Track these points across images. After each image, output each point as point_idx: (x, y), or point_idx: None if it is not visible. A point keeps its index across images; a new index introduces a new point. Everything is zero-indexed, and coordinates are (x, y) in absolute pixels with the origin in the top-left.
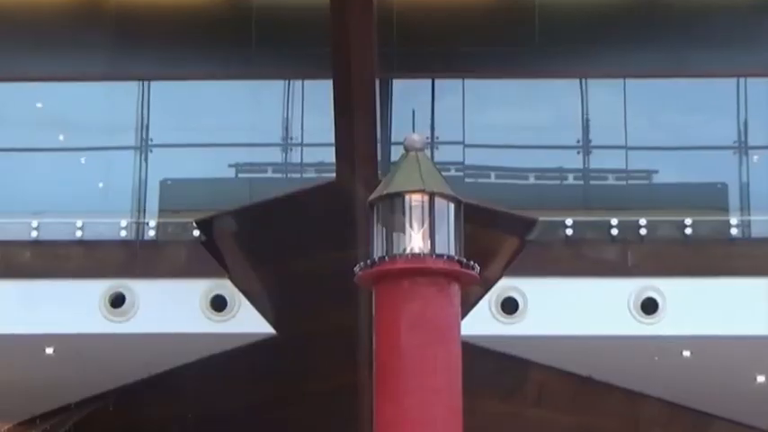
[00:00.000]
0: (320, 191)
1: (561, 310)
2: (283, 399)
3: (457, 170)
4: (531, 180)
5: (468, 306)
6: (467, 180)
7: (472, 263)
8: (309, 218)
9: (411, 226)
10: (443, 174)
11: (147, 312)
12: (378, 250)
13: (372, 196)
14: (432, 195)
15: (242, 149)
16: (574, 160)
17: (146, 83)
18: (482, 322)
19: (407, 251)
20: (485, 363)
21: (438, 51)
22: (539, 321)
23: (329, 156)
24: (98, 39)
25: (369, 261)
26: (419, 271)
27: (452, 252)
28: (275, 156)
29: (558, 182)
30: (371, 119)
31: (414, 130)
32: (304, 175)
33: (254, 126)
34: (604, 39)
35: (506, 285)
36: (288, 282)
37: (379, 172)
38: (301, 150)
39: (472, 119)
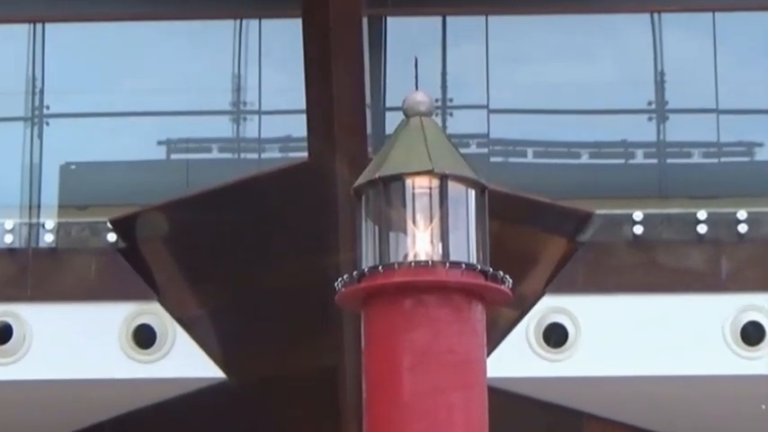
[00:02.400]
0: (286, 176)
1: (627, 341)
2: None
3: (479, 145)
4: (584, 159)
5: (497, 336)
6: (493, 159)
7: (502, 274)
8: (271, 213)
9: (414, 222)
10: (461, 150)
11: (41, 350)
12: (368, 257)
13: (359, 181)
14: (444, 179)
15: (176, 120)
16: (644, 130)
17: (38, 26)
18: (517, 358)
19: (410, 258)
20: (521, 415)
21: None
22: (596, 357)
23: (299, 127)
24: None
25: (355, 273)
26: (427, 286)
27: (473, 259)
28: (223, 128)
29: (621, 161)
30: (357, 74)
31: (417, 89)
32: (264, 155)
33: (193, 88)
34: None
35: (550, 306)
36: (243, 304)
37: (369, 148)
38: (259, 120)
39: (500, 74)
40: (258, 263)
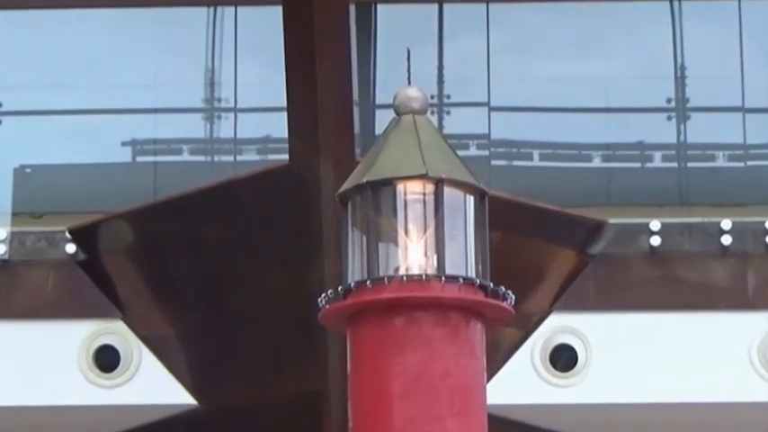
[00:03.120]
0: (265, 180)
1: (644, 365)
2: None
3: (479, 147)
4: (597, 162)
5: (498, 358)
6: (495, 162)
7: (504, 290)
8: (248, 222)
9: (407, 232)
10: (459, 152)
11: None
12: (355, 271)
13: (345, 186)
14: (439, 184)
15: (143, 119)
16: (663, 131)
17: None
18: (521, 383)
19: (401, 272)
20: None
21: None
22: (609, 382)
23: (279, 126)
24: None
25: (341, 288)
26: (420, 303)
27: (472, 273)
28: (194, 128)
29: (637, 164)
30: (344, 67)
31: (410, 84)
32: (240, 157)
33: (161, 83)
34: None
35: (558, 325)
36: (217, 322)
37: (357, 150)
38: (234, 118)
39: (502, 68)
40: (234, 277)
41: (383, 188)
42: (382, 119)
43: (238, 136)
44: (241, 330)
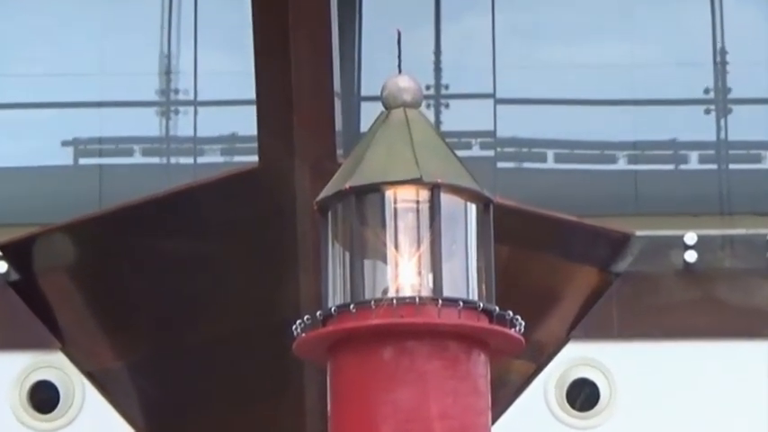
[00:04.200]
0: (230, 186)
1: (677, 402)
2: None
3: (483, 146)
4: (622, 164)
5: (506, 396)
6: (502, 164)
7: (512, 315)
8: (210, 235)
9: (397, 247)
10: (458, 152)
11: None
12: (336, 293)
13: (325, 193)
14: (435, 190)
15: (86, 114)
16: (700, 126)
17: None
18: (533, 425)
19: (391, 293)
20: None
21: None
22: (636, 423)
23: (247, 122)
24: None
25: (319, 313)
26: (413, 331)
27: (474, 295)
28: (147, 124)
29: (670, 166)
30: (324, 52)
31: (400, 72)
32: (201, 159)
33: (108, 72)
34: None
35: (577, 357)
36: (174, 354)
37: (339, 150)
38: (194, 113)
39: (510, 54)
40: (194, 301)
41: (369, 195)
42: (368, 113)
43: (199, 134)
44: (202, 363)
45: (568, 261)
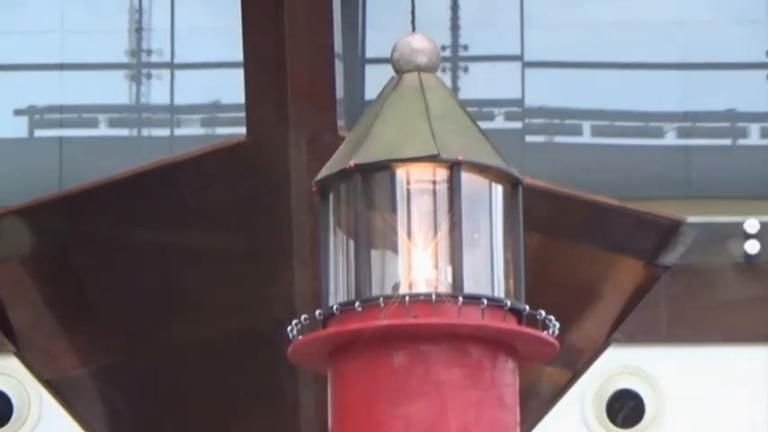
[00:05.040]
0: (213, 163)
1: (736, 416)
2: None
3: (510, 117)
4: (671, 138)
5: (537, 408)
6: (531, 138)
7: (544, 315)
8: (190, 221)
9: (410, 235)
10: (481, 124)
11: None
12: (338, 288)
13: (325, 172)
14: (455, 168)
15: (44, 77)
16: (761, 95)
17: None
18: None
19: (403, 289)
20: None
21: None
22: None
23: (232, 88)
24: None
25: (318, 313)
26: (428, 333)
27: (500, 291)
28: (115, 90)
29: (727, 141)
30: (323, 6)
31: (414, 30)
32: (178, 131)
33: (69, 30)
34: None
35: (619, 364)
36: (147, 360)
37: (340, 121)
38: (171, 77)
39: (540, 8)
40: (171, 298)
41: (377, 174)
42: (376, 78)
43: (176, 102)
44: (180, 371)
45: (609, 252)
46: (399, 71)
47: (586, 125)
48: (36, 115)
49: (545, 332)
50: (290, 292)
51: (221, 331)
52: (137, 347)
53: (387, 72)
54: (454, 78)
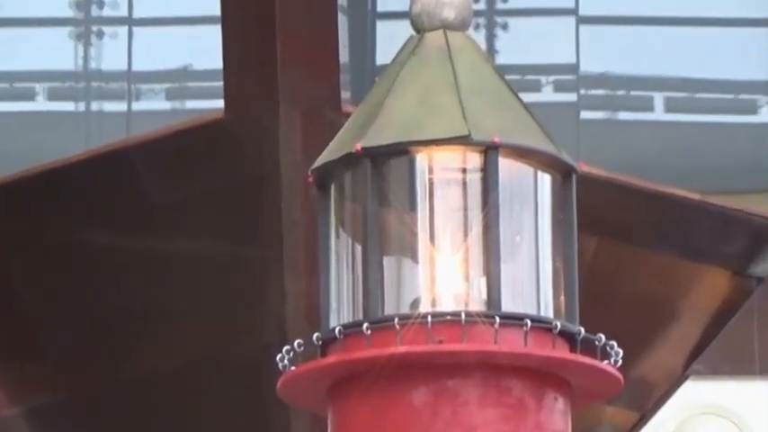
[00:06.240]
0: (183, 146)
1: None
2: None
3: (559, 87)
4: (765, 115)
5: None
6: (587, 114)
7: (604, 340)
8: (154, 219)
9: (433, 238)
10: (524, 96)
11: None
12: (341, 305)
13: (325, 158)
14: (490, 152)
15: None
16: None
17: None
18: None
19: (423, 306)
20: None
21: None
22: None
23: (207, 51)
24: None
25: (316, 336)
26: (458, 363)
27: (548, 310)
28: (58, 54)
29: None
30: None
31: None
32: (137, 105)
33: None
34: None
35: (700, 402)
36: (98, 396)
37: (345, 93)
38: (128, 37)
39: None
40: (129, 317)
41: (391, 161)
42: (390, 38)
43: (135, 68)
44: (141, 409)
45: (687, 260)
46: (420, 29)
47: (658, 98)
48: None
49: (605, 362)
50: (280, 310)
51: (194, 360)
52: (85, 382)
53: (404, 30)
54: (490, 38)
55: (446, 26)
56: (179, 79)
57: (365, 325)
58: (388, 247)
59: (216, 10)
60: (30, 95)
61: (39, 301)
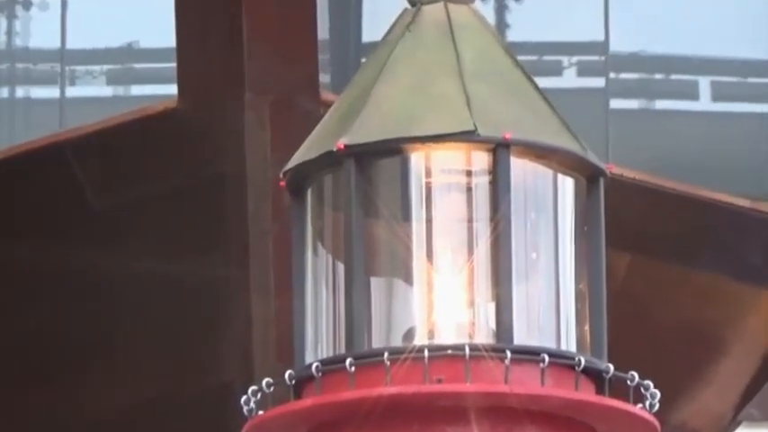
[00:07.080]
0: (128, 141)
1: None
2: None
3: (585, 70)
4: None
5: None
6: (617, 103)
7: (637, 379)
8: (94, 230)
9: (430, 254)
10: (541, 82)
11: None
12: (318, 337)
13: (300, 158)
14: (500, 151)
15: None
16: None
17: None
18: None
19: (419, 339)
20: None
21: None
22: None
23: (156, 26)
24: None
25: (288, 374)
26: (461, 406)
27: (571, 344)
28: None
29: None
30: None
31: None
32: (73, 91)
33: None
34: None
35: None
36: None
37: (324, 78)
38: (62, 8)
39: None
40: (64, 350)
41: (381, 161)
42: (377, 12)
43: (69, 45)
44: None
45: (737, 280)
46: (416, 1)
47: (704, 83)
48: None
49: (639, 406)
50: (245, 340)
51: (142, 401)
52: (7, 428)
53: (395, 2)
54: (500, 11)
55: None
56: (122, 60)
57: (348, 360)
58: (377, 265)
59: None
60: None
61: None
